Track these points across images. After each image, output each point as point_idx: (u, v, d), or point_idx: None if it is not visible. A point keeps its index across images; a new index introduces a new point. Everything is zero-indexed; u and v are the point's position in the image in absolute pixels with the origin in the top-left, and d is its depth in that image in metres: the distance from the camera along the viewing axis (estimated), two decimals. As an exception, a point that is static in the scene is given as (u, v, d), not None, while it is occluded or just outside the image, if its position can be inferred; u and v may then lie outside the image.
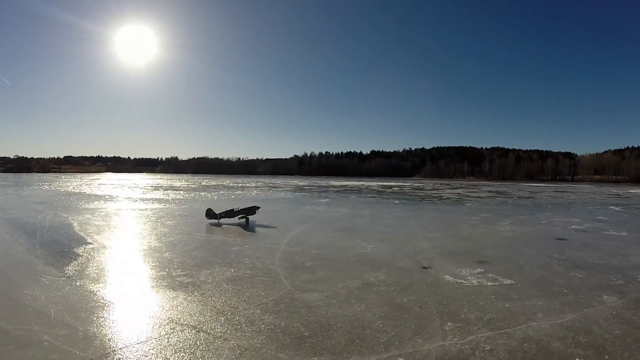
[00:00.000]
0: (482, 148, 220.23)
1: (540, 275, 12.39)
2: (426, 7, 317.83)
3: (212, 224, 22.32)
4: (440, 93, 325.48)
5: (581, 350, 7.14)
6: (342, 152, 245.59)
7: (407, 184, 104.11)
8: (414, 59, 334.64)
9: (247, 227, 21.29)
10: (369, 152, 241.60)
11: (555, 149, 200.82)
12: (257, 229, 20.92)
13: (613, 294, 10.51)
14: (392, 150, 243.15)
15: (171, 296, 9.81)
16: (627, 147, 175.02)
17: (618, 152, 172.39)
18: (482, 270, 12.76)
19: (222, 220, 22.82)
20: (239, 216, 22.66)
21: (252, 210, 23.23)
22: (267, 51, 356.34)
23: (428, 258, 14.56)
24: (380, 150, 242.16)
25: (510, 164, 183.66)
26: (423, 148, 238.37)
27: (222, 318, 8.40)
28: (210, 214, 23.01)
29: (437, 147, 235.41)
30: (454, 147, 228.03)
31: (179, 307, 9.06)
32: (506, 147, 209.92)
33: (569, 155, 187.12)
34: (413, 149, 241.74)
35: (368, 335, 7.68)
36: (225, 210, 23.40)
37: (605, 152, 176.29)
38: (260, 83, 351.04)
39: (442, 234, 20.16)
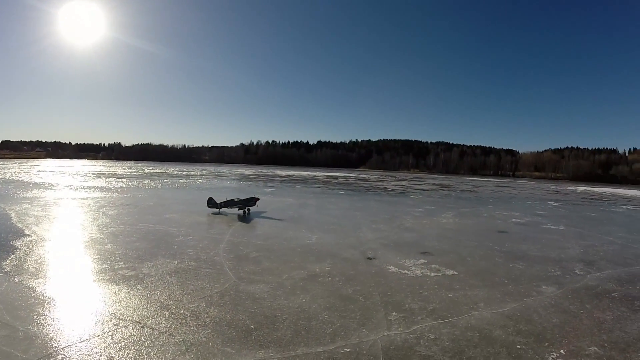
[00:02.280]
0: (427, 142, 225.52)
1: (482, 266, 12.93)
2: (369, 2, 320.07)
3: (213, 213, 22.54)
4: (388, 87, 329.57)
5: (522, 338, 7.51)
6: (288, 142, 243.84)
7: (352, 174, 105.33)
8: (363, 52, 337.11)
9: (246, 218, 21.50)
10: (315, 142, 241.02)
11: (498, 146, 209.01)
12: (200, 218, 20.56)
13: (552, 285, 11.14)
14: (338, 141, 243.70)
15: (114, 290, 9.48)
16: (567, 147, 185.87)
17: (558, 151, 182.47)
18: (426, 261, 13.15)
19: (222, 210, 23.20)
20: (238, 207, 22.94)
21: (251, 201, 23.51)
22: (216, 35, 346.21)
23: (372, 249, 14.82)
24: (327, 141, 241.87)
25: (454, 158, 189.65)
26: (369, 140, 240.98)
27: (167, 312, 8.23)
28: (211, 202, 23.54)
29: (384, 139, 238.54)
30: (400, 140, 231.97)
31: (122, 301, 8.78)
32: (451, 142, 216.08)
33: (510, 152, 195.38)
34: (359, 140, 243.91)
35: (314, 327, 7.74)
36: (225, 200, 23.80)
37: (545, 150, 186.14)
38: (207, 68, 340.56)
39: (386, 225, 20.57)
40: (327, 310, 8.59)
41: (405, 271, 11.91)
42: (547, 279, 11.70)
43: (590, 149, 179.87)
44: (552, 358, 6.83)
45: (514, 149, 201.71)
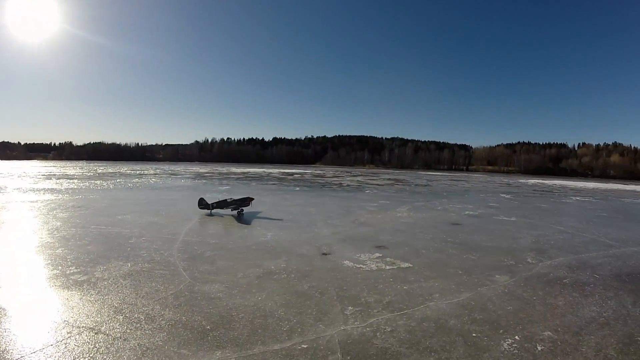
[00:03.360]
0: (382, 138, 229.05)
1: (436, 258, 13.21)
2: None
3: (206, 215, 21.78)
4: (343, 83, 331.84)
5: (477, 327, 7.71)
6: (243, 139, 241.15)
7: (308, 171, 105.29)
8: (317, 48, 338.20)
9: (240, 219, 20.83)
10: (270, 139, 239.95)
11: (451, 141, 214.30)
12: (153, 219, 20.00)
13: (504, 274, 11.52)
14: (294, 138, 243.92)
15: (66, 297, 9.09)
16: (518, 142, 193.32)
17: (509, 146, 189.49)
18: (381, 255, 13.32)
19: (215, 211, 22.40)
20: (232, 207, 22.13)
21: (245, 201, 22.74)
22: (170, 28, 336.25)
23: (328, 244, 14.88)
24: (283, 137, 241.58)
25: (409, 153, 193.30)
26: (325, 136, 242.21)
27: (121, 317, 7.98)
28: (202, 203, 22.67)
29: (339, 135, 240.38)
30: (355, 136, 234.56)
31: (74, 308, 8.43)
32: (405, 138, 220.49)
33: (464, 147, 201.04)
34: (315, 136, 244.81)
35: (270, 325, 7.71)
36: (217, 200, 23.00)
37: (498, 145, 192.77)
38: (161, 63, 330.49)
39: (341, 221, 20.69)
40: (283, 308, 8.57)
41: (361, 265, 12.02)
42: (500, 269, 12.09)
43: (541, 143, 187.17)
44: (508, 344, 7.05)
45: (468, 144, 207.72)
